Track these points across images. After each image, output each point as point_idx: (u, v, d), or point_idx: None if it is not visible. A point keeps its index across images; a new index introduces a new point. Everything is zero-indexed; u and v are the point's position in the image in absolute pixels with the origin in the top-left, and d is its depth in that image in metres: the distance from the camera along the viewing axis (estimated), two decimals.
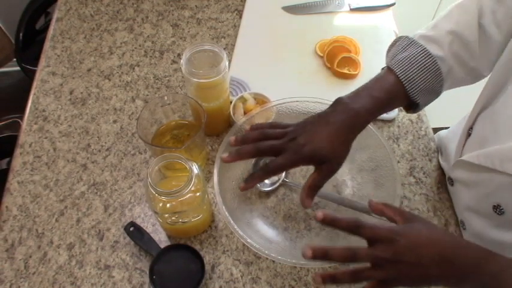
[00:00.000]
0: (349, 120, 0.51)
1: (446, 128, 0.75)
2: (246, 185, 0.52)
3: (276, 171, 0.52)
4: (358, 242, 0.54)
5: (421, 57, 0.54)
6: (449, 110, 0.97)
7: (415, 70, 0.53)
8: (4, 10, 1.45)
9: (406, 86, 0.53)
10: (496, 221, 0.53)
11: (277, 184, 0.66)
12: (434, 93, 0.56)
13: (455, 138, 0.64)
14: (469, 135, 0.59)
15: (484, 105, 0.56)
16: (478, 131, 0.57)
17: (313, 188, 0.52)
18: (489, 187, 0.53)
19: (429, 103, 0.59)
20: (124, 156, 0.70)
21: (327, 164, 0.50)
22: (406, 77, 0.53)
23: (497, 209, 0.52)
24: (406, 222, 0.45)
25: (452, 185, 0.64)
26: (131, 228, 0.61)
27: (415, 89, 0.53)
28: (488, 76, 0.58)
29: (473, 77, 0.59)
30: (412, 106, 0.57)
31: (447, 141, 0.70)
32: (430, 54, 0.54)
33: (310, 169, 0.68)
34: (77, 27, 0.87)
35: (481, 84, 0.59)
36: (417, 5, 1.30)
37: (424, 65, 0.53)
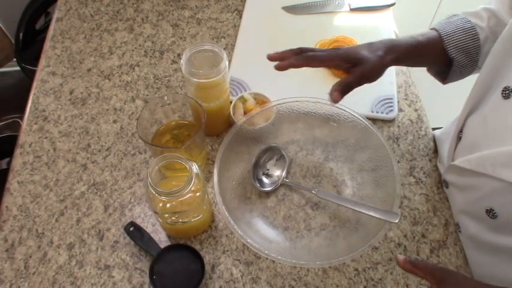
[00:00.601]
0: (388, 44, 0.59)
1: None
2: (281, 64, 0.57)
3: (313, 59, 0.57)
4: (358, 243, 0.54)
5: (461, 22, 0.60)
6: (448, 110, 0.97)
7: (454, 29, 0.60)
8: (4, 10, 1.45)
9: (443, 39, 0.59)
10: (490, 224, 0.53)
11: (277, 184, 0.66)
12: (470, 58, 0.60)
13: (447, 140, 0.64)
14: (459, 138, 0.60)
15: (471, 108, 0.57)
16: (468, 135, 0.58)
17: (343, 85, 0.56)
18: (482, 191, 0.53)
19: (464, 72, 0.63)
20: (124, 156, 0.70)
21: (359, 66, 0.56)
22: (444, 32, 0.60)
23: (490, 213, 0.52)
24: (439, 284, 0.45)
25: (447, 187, 0.65)
26: (131, 228, 0.61)
27: (452, 44, 0.59)
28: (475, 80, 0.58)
29: None
30: (447, 70, 0.61)
31: (440, 143, 0.70)
32: (469, 21, 0.60)
33: (310, 169, 0.68)
34: (77, 27, 0.87)
35: None
36: (417, 5, 1.30)
37: (463, 27, 0.60)
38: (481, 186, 0.53)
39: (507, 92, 0.49)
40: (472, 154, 0.54)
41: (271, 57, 0.58)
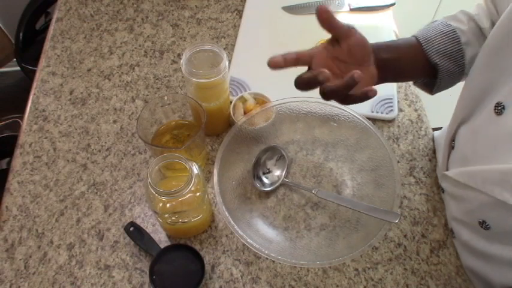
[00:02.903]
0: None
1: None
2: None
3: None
4: (358, 243, 0.54)
5: (441, 25, 0.58)
6: (449, 110, 0.97)
7: (433, 33, 0.57)
8: (4, 10, 1.45)
9: (423, 44, 0.56)
10: (483, 234, 0.53)
11: (277, 184, 0.66)
12: (455, 62, 0.57)
13: (442, 145, 0.64)
14: (452, 147, 0.60)
15: (463, 118, 0.56)
16: (460, 147, 0.58)
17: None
18: (474, 203, 0.53)
19: (453, 79, 0.59)
20: (124, 156, 0.70)
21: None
22: (423, 38, 0.57)
23: (483, 225, 0.51)
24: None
25: (443, 192, 0.65)
26: (131, 228, 0.61)
27: (432, 49, 0.56)
28: (463, 87, 0.58)
29: None
30: (433, 75, 0.58)
31: (438, 147, 0.70)
32: (449, 24, 0.57)
33: (310, 169, 0.68)
34: (77, 27, 0.87)
35: None
36: (417, 5, 1.30)
37: (443, 31, 0.57)
38: (474, 198, 0.53)
39: (499, 108, 0.47)
40: (463, 166, 0.54)
41: (274, 64, 0.52)
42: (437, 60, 0.56)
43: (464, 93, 0.57)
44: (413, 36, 0.59)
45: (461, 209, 0.58)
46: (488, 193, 0.48)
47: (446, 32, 0.57)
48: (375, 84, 0.56)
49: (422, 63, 0.57)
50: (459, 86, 0.64)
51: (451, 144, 0.60)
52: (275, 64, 0.51)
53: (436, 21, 0.60)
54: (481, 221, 0.52)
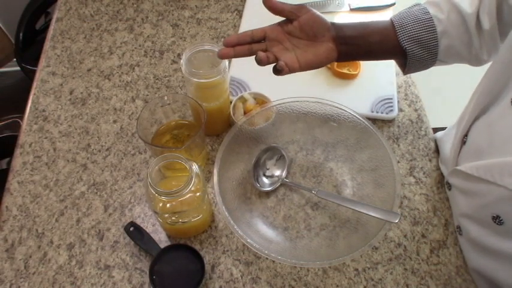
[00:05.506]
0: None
1: (445, 128, 0.75)
2: (224, 52, 0.56)
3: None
4: (358, 243, 0.54)
5: (419, 12, 0.58)
6: (449, 110, 0.97)
7: (409, 19, 0.58)
8: (4, 10, 1.45)
9: (397, 29, 0.58)
10: (495, 230, 0.53)
11: (277, 184, 0.66)
12: (427, 50, 0.58)
13: (449, 141, 0.64)
14: (463, 142, 0.59)
15: (479, 113, 0.56)
16: (473, 140, 0.57)
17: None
18: (488, 198, 0.52)
19: (424, 65, 0.60)
20: (124, 156, 0.70)
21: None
22: (399, 23, 0.58)
23: (497, 220, 0.51)
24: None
25: (450, 189, 0.64)
26: (131, 228, 0.61)
27: (405, 34, 0.57)
28: (479, 83, 0.58)
29: (472, 54, 0.59)
30: (404, 57, 0.59)
31: (442, 144, 0.70)
32: (428, 11, 0.58)
33: (310, 169, 0.68)
34: (77, 27, 0.87)
35: None
36: None
37: (419, 18, 0.58)
38: (488, 193, 0.52)
39: None
40: (477, 160, 0.53)
41: (227, 42, 0.57)
42: (407, 46, 0.58)
43: (481, 88, 0.57)
44: (390, 18, 0.60)
45: (472, 204, 0.57)
46: (506, 186, 0.47)
47: (423, 20, 0.57)
48: (336, 60, 0.59)
49: (393, 45, 0.59)
50: (466, 82, 0.64)
51: (463, 140, 0.59)
52: (230, 43, 0.56)
53: (416, 5, 0.60)
54: (494, 215, 0.51)
